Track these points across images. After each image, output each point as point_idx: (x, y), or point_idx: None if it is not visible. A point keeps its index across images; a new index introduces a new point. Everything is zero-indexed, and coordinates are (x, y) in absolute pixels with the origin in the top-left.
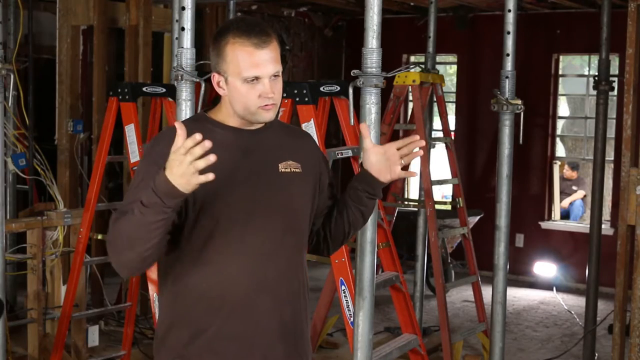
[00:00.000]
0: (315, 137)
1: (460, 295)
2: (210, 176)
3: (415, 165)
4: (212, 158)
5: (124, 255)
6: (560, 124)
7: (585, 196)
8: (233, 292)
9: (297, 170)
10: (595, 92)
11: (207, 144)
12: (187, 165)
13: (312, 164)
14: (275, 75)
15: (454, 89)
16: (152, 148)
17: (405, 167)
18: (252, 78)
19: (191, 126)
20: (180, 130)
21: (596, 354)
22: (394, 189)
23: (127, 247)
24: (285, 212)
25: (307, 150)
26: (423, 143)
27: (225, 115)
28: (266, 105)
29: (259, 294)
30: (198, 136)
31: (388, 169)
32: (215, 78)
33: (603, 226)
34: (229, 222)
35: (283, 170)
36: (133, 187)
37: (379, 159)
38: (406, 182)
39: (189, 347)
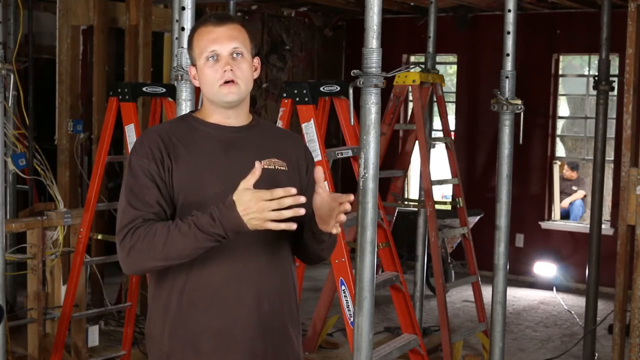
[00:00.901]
0: (315, 137)
1: (460, 295)
2: (293, 226)
3: (415, 165)
4: (301, 211)
5: (150, 264)
6: (560, 124)
7: (585, 196)
8: (211, 285)
9: (282, 167)
10: (595, 92)
11: (293, 191)
12: (268, 210)
13: (297, 164)
14: (237, 54)
15: (454, 89)
16: (140, 144)
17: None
18: (212, 54)
19: (177, 125)
20: (257, 171)
21: (596, 354)
22: (394, 189)
23: (161, 259)
24: None
25: (293, 150)
26: (348, 207)
27: (206, 112)
28: (225, 81)
29: (238, 288)
30: (293, 190)
31: (327, 218)
32: (192, 71)
33: (603, 226)
34: None
35: (266, 166)
36: (136, 185)
37: (323, 205)
38: (406, 182)
39: (171, 342)
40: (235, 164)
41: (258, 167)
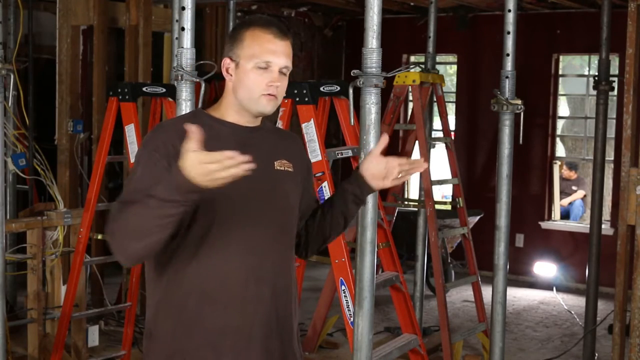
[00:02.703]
0: (315, 137)
1: (460, 295)
2: (245, 169)
3: None
4: (248, 166)
5: (130, 246)
6: (560, 124)
7: (585, 196)
8: (230, 284)
9: (289, 169)
10: (595, 92)
11: (228, 154)
12: (214, 171)
13: (300, 165)
14: (285, 70)
15: (454, 89)
16: (153, 137)
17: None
18: (265, 64)
19: (189, 121)
20: (195, 134)
21: (596, 354)
22: (394, 189)
23: (136, 238)
24: (280, 208)
25: (296, 151)
26: (426, 166)
27: (224, 110)
28: (270, 94)
29: (257, 287)
30: (228, 153)
31: (382, 177)
32: (226, 63)
33: (603, 226)
34: (226, 215)
35: (278, 167)
36: (136, 175)
37: (378, 167)
38: (406, 182)
39: (185, 341)
40: (252, 161)
41: (193, 127)
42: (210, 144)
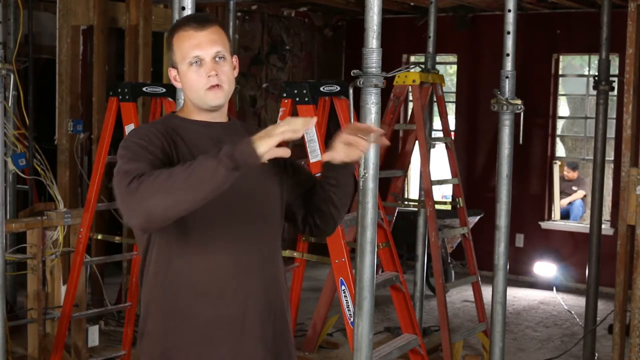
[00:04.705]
0: (315, 137)
1: (460, 295)
2: (287, 152)
3: (415, 165)
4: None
5: (155, 198)
6: (560, 124)
7: (585, 196)
8: (219, 276)
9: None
10: (595, 92)
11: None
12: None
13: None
14: (220, 57)
15: (454, 89)
16: (136, 132)
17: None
18: (195, 59)
19: (166, 123)
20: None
21: (596, 354)
22: (394, 189)
23: (167, 190)
24: (260, 199)
25: None
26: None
27: (189, 111)
28: (211, 86)
29: (246, 277)
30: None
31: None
32: (171, 73)
33: (603, 226)
34: (209, 209)
35: None
36: (137, 154)
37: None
38: (406, 182)
39: (178, 337)
40: None
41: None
42: (187, 141)
